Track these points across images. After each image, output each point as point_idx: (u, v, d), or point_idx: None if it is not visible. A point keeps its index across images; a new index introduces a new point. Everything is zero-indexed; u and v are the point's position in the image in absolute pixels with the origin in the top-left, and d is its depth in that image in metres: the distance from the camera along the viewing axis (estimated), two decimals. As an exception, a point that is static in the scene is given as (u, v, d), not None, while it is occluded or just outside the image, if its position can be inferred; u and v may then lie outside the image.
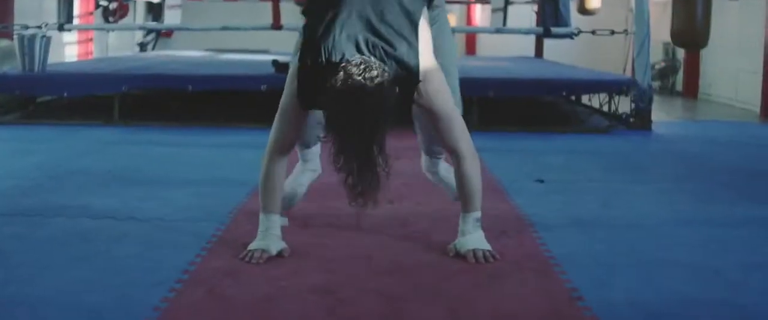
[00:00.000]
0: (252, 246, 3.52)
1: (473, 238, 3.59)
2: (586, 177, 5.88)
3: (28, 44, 8.61)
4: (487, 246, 3.57)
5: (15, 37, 8.84)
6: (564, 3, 9.32)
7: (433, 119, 3.58)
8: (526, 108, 8.83)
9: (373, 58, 3.30)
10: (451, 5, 16.91)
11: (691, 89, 14.14)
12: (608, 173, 6.13)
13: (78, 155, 6.44)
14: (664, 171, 6.62)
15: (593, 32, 9.15)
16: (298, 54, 3.49)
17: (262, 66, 8.52)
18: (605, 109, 9.09)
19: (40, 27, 9.45)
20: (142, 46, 13.49)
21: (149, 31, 13.94)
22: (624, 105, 8.75)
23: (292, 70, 3.58)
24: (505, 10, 12.38)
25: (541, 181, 5.35)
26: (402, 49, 3.41)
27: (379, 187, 3.33)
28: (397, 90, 3.32)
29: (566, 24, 9.30)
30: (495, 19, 12.89)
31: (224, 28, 9.65)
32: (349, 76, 3.21)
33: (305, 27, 3.53)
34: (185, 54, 11.61)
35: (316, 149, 4.17)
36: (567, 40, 9.53)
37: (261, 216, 3.61)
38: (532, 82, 8.45)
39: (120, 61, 10.50)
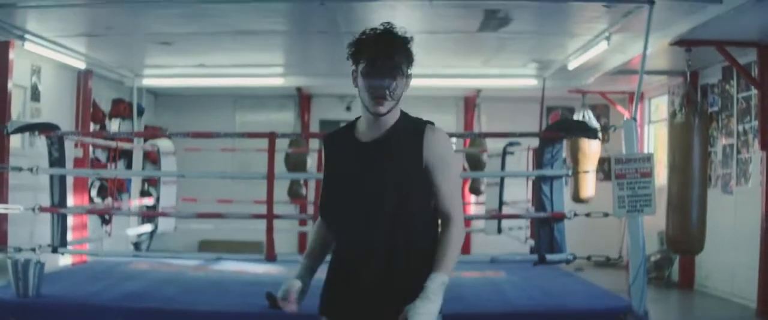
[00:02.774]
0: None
1: (427, 311, 3.63)
2: None
3: (22, 270, 8.58)
4: None
5: (9, 261, 8.80)
6: (559, 229, 9.32)
7: (436, 175, 3.87)
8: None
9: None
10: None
11: (687, 281, 14.20)
12: None
13: None
14: None
15: (588, 215, 9.21)
16: None
17: (257, 297, 8.45)
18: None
19: (33, 249, 9.42)
20: (137, 246, 13.46)
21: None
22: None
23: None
24: (498, 226, 12.36)
25: None
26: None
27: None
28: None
29: (561, 250, 9.29)
30: (489, 226, 12.86)
31: (218, 258, 9.72)
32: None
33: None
34: (179, 263, 11.53)
35: None
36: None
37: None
38: (527, 315, 8.39)
39: (114, 274, 10.45)
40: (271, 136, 9.10)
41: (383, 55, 3.78)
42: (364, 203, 3.84)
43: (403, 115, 3.98)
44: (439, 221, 3.90)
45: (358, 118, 4.01)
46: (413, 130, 3.89)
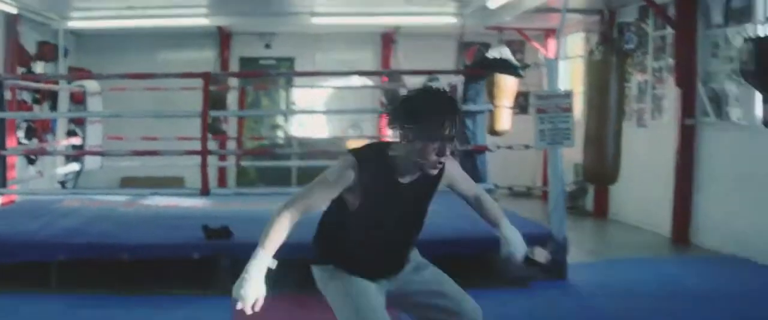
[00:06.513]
0: (235, 292, 3.79)
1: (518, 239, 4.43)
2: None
3: (-41, 209, 8.72)
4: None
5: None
6: (482, 160, 9.74)
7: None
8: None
9: None
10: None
11: (601, 210, 14.68)
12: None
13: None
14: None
15: (510, 147, 9.92)
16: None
17: (194, 230, 8.74)
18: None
19: (-31, 188, 9.53)
20: (63, 184, 13.60)
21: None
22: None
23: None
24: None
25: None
26: None
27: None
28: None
29: (484, 180, 9.67)
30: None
31: (154, 193, 9.84)
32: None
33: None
34: (109, 199, 11.73)
35: None
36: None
37: (257, 250, 3.85)
38: (453, 241, 8.77)
39: (49, 212, 10.59)
40: (206, 76, 9.36)
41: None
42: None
43: None
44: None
45: None
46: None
